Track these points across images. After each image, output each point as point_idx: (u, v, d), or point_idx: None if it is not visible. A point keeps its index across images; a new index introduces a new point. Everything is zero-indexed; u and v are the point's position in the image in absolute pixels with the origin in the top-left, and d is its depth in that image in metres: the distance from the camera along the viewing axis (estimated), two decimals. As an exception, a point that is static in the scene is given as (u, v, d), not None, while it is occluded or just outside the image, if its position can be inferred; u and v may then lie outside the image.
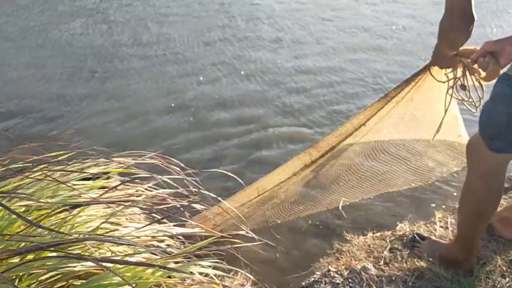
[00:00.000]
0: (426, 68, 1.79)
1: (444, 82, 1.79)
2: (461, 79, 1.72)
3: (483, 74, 1.50)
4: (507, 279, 1.65)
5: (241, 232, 1.68)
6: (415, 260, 1.79)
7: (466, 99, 1.75)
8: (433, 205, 2.20)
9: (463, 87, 1.73)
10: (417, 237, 1.88)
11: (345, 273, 1.77)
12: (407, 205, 2.25)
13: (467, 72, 1.69)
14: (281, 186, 2.09)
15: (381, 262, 1.82)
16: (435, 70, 1.77)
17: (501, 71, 1.33)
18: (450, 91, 1.79)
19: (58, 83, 3.57)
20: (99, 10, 5.08)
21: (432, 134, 2.03)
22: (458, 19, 1.38)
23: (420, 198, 2.27)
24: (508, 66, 1.29)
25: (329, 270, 1.79)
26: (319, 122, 3.07)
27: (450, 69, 1.74)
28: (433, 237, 1.88)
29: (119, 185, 1.17)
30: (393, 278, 1.71)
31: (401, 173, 2.30)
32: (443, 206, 2.18)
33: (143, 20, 4.77)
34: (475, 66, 1.53)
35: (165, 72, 3.74)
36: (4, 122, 3.06)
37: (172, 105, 3.24)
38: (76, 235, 0.95)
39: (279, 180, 2.05)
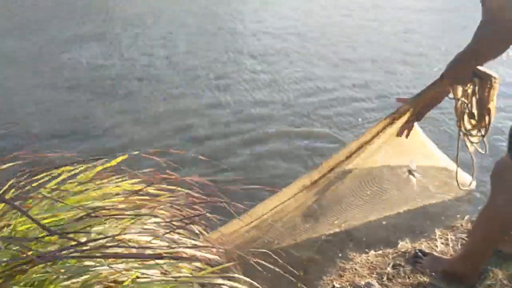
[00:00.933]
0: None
1: (456, 99, 1.68)
2: (469, 103, 1.65)
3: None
4: (508, 292, 1.68)
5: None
6: (418, 275, 1.82)
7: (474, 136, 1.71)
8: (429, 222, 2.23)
9: (471, 115, 1.66)
10: (419, 253, 1.91)
11: (349, 289, 1.79)
12: (407, 225, 2.29)
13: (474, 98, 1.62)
14: (282, 208, 2.12)
15: (384, 278, 1.84)
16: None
17: None
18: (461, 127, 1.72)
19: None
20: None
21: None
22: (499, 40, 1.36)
23: (419, 218, 2.30)
24: None
25: (333, 287, 1.81)
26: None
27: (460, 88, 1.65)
28: (435, 253, 1.91)
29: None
30: (397, 293, 1.73)
31: (398, 197, 2.34)
32: (443, 224, 2.22)
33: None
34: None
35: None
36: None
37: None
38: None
39: (280, 202, 2.08)
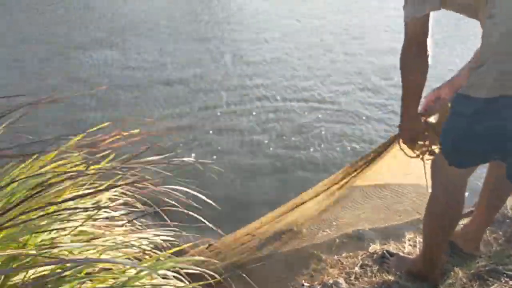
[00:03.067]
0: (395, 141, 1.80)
1: (418, 156, 1.77)
2: (429, 146, 1.73)
3: (432, 118, 1.68)
4: (467, 291, 1.75)
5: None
6: (384, 274, 1.89)
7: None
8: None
9: (432, 153, 1.73)
10: (386, 254, 1.99)
11: (318, 287, 1.87)
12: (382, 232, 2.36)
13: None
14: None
15: (352, 277, 1.92)
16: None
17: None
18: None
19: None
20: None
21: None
22: (417, 56, 1.44)
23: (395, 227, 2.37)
24: (462, 85, 1.42)
25: (303, 285, 1.89)
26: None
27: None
28: (401, 253, 2.00)
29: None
30: (362, 291, 1.81)
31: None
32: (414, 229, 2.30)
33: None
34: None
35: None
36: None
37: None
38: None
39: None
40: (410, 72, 1.49)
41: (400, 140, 1.74)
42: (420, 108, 1.63)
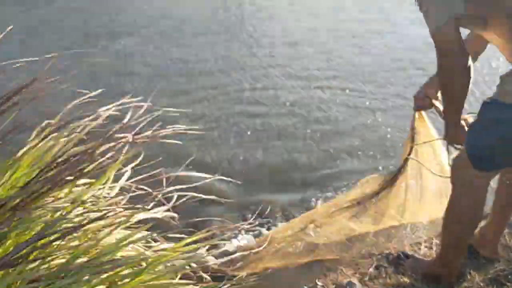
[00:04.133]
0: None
1: None
2: None
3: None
4: (484, 295, 1.73)
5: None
6: (399, 276, 1.88)
7: None
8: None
9: None
10: (401, 255, 1.97)
11: (332, 287, 1.87)
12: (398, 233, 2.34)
13: None
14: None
15: (367, 278, 1.91)
16: None
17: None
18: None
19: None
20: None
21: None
22: (457, 66, 1.39)
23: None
24: (495, 91, 1.43)
25: (316, 284, 1.89)
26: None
27: None
28: (417, 255, 1.98)
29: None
30: (377, 293, 1.80)
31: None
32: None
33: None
34: None
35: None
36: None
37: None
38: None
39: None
40: (454, 84, 1.43)
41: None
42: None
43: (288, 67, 4.54)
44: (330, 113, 3.67)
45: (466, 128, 1.57)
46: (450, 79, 1.42)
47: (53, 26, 5.72)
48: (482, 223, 2.03)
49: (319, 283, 1.91)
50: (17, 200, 1.00)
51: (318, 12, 6.36)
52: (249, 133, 3.38)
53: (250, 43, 5.20)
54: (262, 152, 3.14)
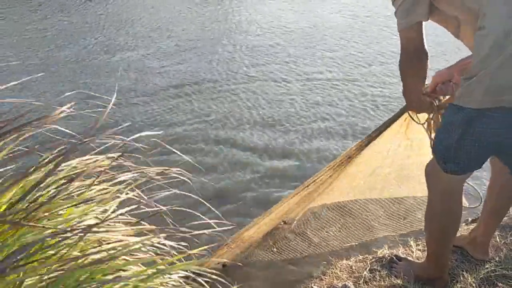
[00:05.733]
0: (403, 112, 1.84)
1: (423, 124, 1.83)
2: (434, 119, 1.78)
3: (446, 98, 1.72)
4: (476, 296, 1.77)
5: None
6: (392, 279, 1.91)
7: None
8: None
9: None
10: (394, 258, 2.01)
11: (327, 291, 1.89)
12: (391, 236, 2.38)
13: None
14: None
15: (361, 281, 1.94)
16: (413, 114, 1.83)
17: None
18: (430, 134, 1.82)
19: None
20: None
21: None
22: (415, 58, 1.54)
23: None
24: (456, 95, 1.47)
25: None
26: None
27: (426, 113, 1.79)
28: (409, 258, 2.01)
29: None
30: (371, 295, 1.83)
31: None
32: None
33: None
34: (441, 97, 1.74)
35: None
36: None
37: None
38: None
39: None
40: (409, 76, 1.58)
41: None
42: (427, 89, 1.71)
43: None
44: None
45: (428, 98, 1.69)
46: (404, 72, 1.58)
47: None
48: (473, 226, 2.07)
49: (315, 286, 1.94)
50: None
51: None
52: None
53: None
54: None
